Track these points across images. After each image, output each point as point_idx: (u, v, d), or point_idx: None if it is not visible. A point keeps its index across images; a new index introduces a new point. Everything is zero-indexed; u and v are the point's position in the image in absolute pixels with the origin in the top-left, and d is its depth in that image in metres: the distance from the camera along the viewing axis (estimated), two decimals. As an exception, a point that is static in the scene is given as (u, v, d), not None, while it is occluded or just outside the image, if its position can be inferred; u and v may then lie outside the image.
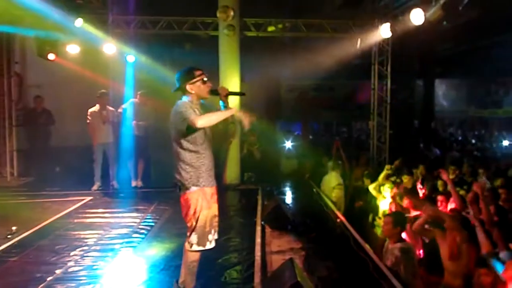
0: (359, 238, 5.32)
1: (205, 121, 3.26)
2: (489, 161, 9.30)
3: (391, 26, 8.52)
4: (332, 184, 7.74)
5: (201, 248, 3.53)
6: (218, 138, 8.18)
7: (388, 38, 9.41)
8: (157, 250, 4.95)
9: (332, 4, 10.32)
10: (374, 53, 9.99)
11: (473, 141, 14.58)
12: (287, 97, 14.61)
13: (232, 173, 8.65)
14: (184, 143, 3.44)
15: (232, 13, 8.12)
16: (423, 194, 6.76)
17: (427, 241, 4.97)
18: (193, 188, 3.46)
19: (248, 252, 4.85)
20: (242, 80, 9.69)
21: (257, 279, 4.09)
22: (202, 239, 3.52)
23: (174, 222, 5.98)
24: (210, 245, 3.57)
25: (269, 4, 9.70)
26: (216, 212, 3.67)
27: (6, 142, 8.91)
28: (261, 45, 11.36)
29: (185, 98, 3.50)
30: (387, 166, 7.48)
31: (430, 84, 14.47)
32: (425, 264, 4.81)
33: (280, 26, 9.63)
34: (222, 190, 7.80)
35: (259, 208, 6.61)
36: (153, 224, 5.98)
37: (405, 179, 6.84)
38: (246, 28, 9.24)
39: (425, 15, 6.88)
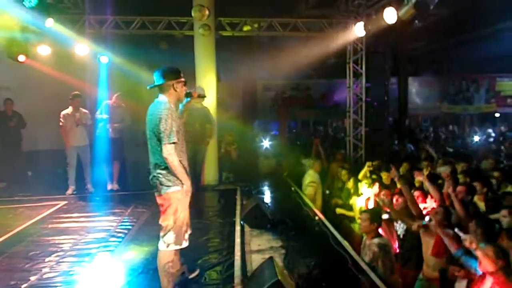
0: (338, 235, 5.37)
1: (173, 159, 3.38)
2: (461, 156, 9.48)
3: (364, 25, 8.64)
4: (305, 182, 7.81)
5: (177, 247, 3.57)
6: (195, 138, 8.16)
7: (362, 37, 9.53)
8: (135, 254, 4.87)
9: (306, 3, 10.39)
10: (348, 52, 10.10)
11: (446, 137, 14.95)
12: (264, 96, 14.64)
13: (210, 173, 8.60)
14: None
15: (207, 12, 8.07)
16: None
17: (401, 236, 5.07)
18: (176, 188, 3.49)
19: (227, 252, 4.84)
20: (219, 79, 9.66)
21: (237, 279, 4.07)
22: (179, 238, 3.56)
23: (152, 225, 5.89)
24: (185, 243, 3.63)
25: (244, 3, 9.70)
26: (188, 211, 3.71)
27: (-25, 146, 8.59)
28: (238, 44, 11.35)
29: (163, 98, 3.54)
30: (368, 163, 7.56)
31: (404, 82, 14.74)
32: (400, 258, 4.90)
33: (255, 25, 9.64)
34: (201, 191, 7.80)
35: (238, 208, 6.60)
36: (130, 227, 5.88)
37: (384, 175, 6.92)
38: (222, 27, 9.22)
39: (397, 14, 7.00)
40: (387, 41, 11.74)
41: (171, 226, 3.51)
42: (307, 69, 14.13)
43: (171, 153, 3.38)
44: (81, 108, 7.75)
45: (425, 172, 6.68)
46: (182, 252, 3.80)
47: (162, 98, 3.55)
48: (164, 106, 3.46)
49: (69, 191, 7.71)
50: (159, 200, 3.58)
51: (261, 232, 5.54)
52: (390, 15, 7.17)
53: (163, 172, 3.48)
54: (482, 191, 5.58)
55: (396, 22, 7.32)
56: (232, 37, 9.60)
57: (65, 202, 7.22)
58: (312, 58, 10.63)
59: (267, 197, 7.81)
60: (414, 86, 15.44)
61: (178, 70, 3.61)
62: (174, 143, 3.39)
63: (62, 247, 5.08)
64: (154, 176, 3.52)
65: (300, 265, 4.48)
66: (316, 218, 6.18)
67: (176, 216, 3.51)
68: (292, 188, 8.22)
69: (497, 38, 15.21)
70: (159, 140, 3.43)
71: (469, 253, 3.71)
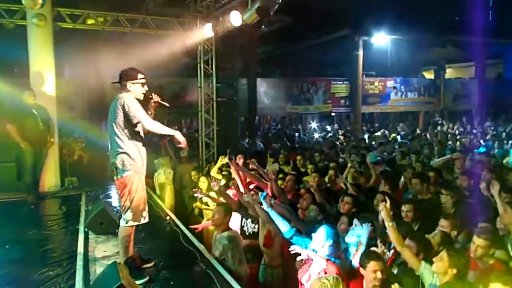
0: (188, 232, 5.41)
1: (154, 127, 4.08)
2: (304, 151, 10.35)
3: (213, 26, 8.84)
4: (160, 181, 7.68)
5: (136, 223, 4.02)
6: (38, 140, 7.24)
7: (211, 38, 9.73)
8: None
9: (154, 0, 10.19)
10: (199, 52, 10.22)
11: (292, 134, 16.24)
12: (113, 96, 13.81)
13: (50, 179, 7.84)
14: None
15: (40, 1, 7.30)
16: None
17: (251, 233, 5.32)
18: (129, 172, 3.93)
19: (69, 262, 4.51)
20: (61, 76, 8.87)
21: (78, 289, 3.80)
22: (137, 216, 3.99)
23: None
24: (144, 220, 4.08)
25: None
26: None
27: None
28: (83, 39, 10.57)
29: (126, 94, 4.03)
30: (222, 157, 7.70)
31: (253, 83, 15.51)
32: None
33: (100, 19, 9.09)
34: (40, 198, 7.05)
35: (82, 214, 6.15)
36: None
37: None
38: (61, 19, 8.46)
39: (242, 18, 7.35)
40: (236, 43, 12.22)
41: (128, 206, 3.94)
42: (159, 68, 13.84)
43: (151, 125, 4.18)
44: None
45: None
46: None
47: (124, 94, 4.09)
48: (129, 99, 4.11)
49: None
50: (117, 183, 4.00)
51: (107, 238, 5.28)
52: (235, 18, 7.48)
53: (119, 158, 3.96)
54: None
55: (244, 26, 7.67)
56: (75, 30, 8.90)
57: None
58: (164, 56, 10.45)
59: (116, 201, 7.42)
60: (262, 87, 16.33)
61: (136, 72, 4.12)
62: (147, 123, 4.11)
63: None
64: (114, 161, 3.94)
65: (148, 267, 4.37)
66: (167, 218, 6.12)
67: (131, 197, 3.94)
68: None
69: (332, 46, 17.17)
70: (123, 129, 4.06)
71: (299, 232, 4.09)
